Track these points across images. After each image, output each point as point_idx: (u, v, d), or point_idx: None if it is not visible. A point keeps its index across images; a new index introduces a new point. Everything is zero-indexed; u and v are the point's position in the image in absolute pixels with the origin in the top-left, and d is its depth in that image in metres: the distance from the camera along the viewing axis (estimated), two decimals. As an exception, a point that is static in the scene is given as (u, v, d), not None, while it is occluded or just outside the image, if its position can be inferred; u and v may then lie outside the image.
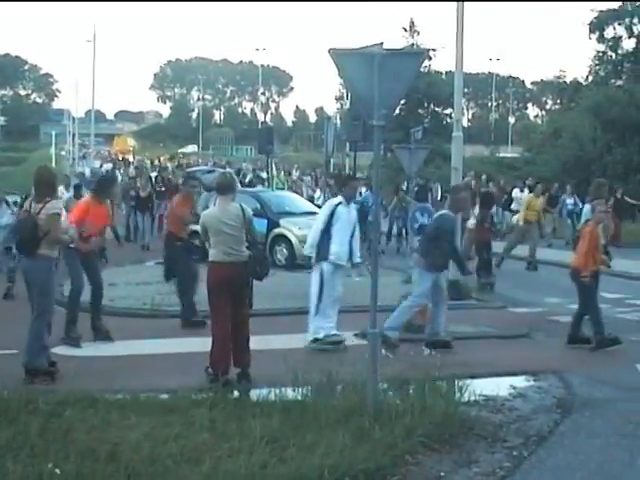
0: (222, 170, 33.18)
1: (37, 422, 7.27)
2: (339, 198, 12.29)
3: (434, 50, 58.50)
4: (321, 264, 11.93)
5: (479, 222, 18.20)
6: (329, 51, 8.11)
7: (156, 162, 59.60)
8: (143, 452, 6.55)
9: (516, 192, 29.79)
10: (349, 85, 8.76)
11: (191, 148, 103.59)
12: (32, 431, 7.01)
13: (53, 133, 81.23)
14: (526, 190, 28.49)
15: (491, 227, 19.01)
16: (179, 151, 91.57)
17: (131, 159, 70.87)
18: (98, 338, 12.13)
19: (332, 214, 11.98)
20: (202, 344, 11.92)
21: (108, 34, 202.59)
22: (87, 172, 46.45)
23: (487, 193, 22.28)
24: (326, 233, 11.93)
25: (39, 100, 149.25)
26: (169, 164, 55.81)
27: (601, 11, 52.34)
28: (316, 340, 11.74)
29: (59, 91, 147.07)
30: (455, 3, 16.18)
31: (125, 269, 20.28)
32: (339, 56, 8.18)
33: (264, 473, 6.28)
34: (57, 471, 6.02)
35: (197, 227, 10.92)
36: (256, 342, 11.91)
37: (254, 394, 9.21)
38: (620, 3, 52.21)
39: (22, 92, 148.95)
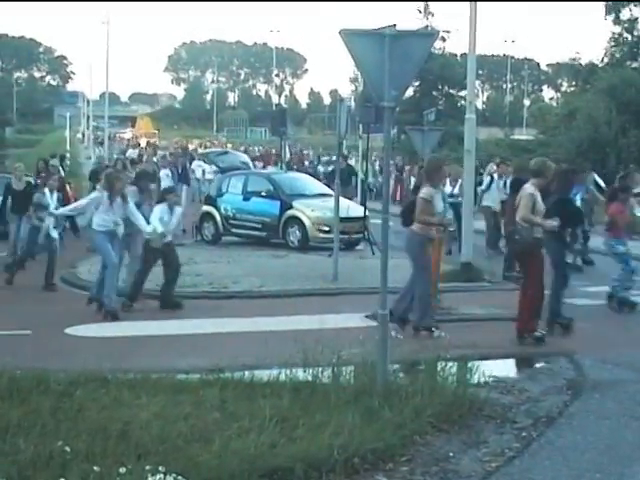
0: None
1: (48, 402, 7.31)
2: None
3: (447, 32, 58.33)
4: None
5: None
6: (339, 32, 8.08)
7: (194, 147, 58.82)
8: (153, 431, 6.57)
9: None
10: (359, 66, 8.70)
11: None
12: (43, 410, 7.05)
13: (67, 115, 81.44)
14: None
15: None
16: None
17: (157, 143, 68.98)
18: None
19: None
20: (213, 325, 12.03)
21: (122, 16, 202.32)
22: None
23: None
24: None
25: (53, 82, 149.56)
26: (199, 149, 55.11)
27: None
28: None
29: (73, 73, 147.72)
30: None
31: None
32: (349, 36, 8.13)
33: (274, 452, 6.30)
34: (67, 449, 6.06)
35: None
36: (266, 323, 12.03)
37: (264, 374, 9.24)
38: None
39: (36, 74, 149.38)
